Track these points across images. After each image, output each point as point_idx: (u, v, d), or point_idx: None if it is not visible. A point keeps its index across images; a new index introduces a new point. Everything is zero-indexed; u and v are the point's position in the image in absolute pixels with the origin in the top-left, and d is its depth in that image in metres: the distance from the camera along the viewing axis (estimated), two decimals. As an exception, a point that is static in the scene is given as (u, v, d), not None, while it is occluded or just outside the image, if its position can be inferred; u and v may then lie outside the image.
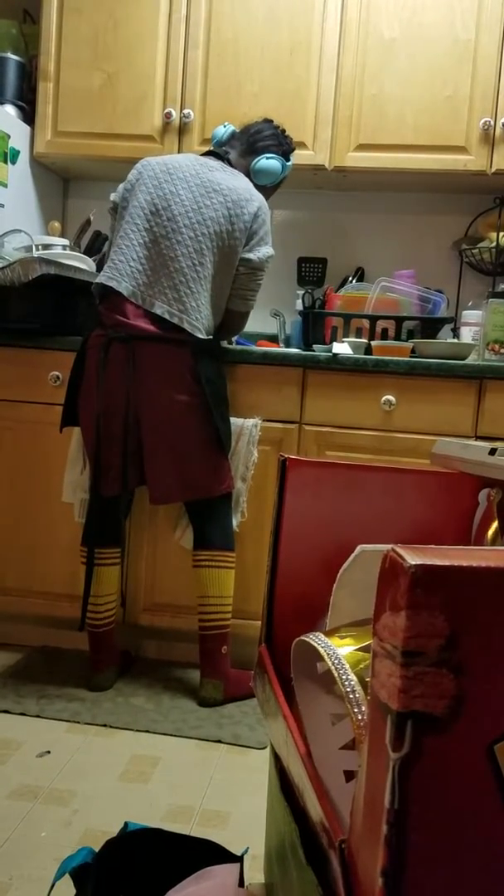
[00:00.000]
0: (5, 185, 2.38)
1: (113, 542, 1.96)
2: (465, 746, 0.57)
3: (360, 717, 0.71)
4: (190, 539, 2.03)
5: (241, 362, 2.05)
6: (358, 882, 0.62)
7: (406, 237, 2.64)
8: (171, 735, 1.77)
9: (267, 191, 2.07)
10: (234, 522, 2.03)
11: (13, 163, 2.42)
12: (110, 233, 2.02)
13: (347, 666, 0.76)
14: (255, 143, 2.02)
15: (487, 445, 1.06)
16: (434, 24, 2.26)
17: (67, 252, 2.26)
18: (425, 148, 2.29)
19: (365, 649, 0.79)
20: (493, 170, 2.26)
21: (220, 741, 1.75)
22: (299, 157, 2.32)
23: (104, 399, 1.84)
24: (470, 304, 2.51)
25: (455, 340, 2.25)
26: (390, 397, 2.01)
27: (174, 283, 1.83)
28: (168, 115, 2.38)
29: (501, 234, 2.38)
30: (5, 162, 2.37)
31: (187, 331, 1.84)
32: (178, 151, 2.40)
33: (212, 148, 2.07)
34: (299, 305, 2.53)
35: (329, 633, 0.84)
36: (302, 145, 2.33)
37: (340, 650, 0.79)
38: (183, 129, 2.39)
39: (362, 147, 2.32)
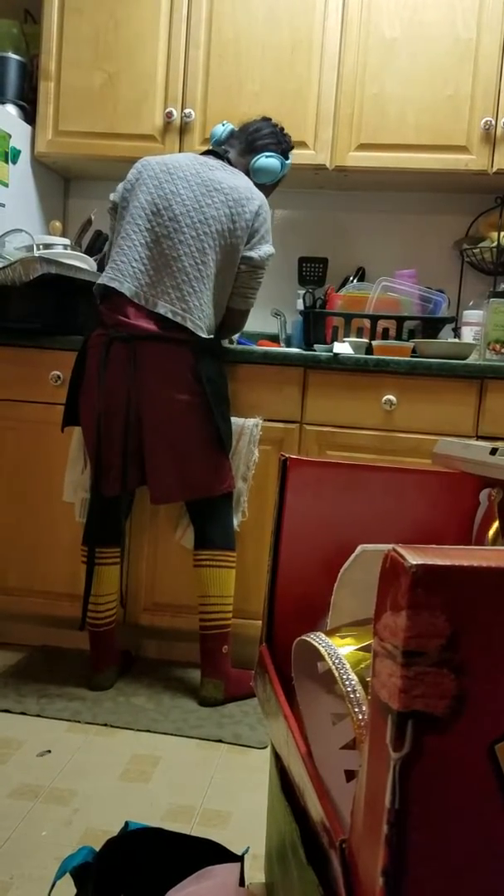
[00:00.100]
0: (6, 185, 2.38)
1: (113, 541, 1.96)
2: (466, 746, 0.57)
3: (360, 717, 0.71)
4: (191, 539, 2.03)
5: (242, 362, 2.05)
6: (358, 882, 0.62)
7: (407, 237, 2.64)
8: (172, 734, 1.77)
9: (266, 189, 2.07)
10: (235, 522, 2.03)
11: (14, 162, 2.42)
12: (110, 233, 2.02)
13: (348, 665, 0.76)
14: (254, 141, 2.02)
15: (488, 445, 1.06)
16: (435, 23, 2.26)
17: (68, 251, 2.26)
18: (426, 147, 2.29)
19: (366, 649, 0.79)
20: (494, 169, 2.26)
21: (220, 741, 1.75)
22: (300, 156, 2.32)
23: (105, 398, 1.84)
24: (471, 303, 2.50)
25: (456, 340, 2.25)
26: (391, 397, 2.01)
27: (177, 283, 1.83)
28: (169, 115, 2.38)
29: (502, 233, 2.38)
30: (6, 161, 2.37)
31: (189, 330, 1.84)
32: (180, 151, 2.40)
33: (211, 147, 2.07)
34: (300, 305, 2.53)
35: (330, 633, 0.84)
36: (303, 145, 2.33)
37: (341, 650, 0.79)
38: (184, 129, 2.39)
39: (363, 146, 2.32)
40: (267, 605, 1.10)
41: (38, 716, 1.82)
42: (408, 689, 0.55)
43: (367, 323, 2.25)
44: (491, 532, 1.10)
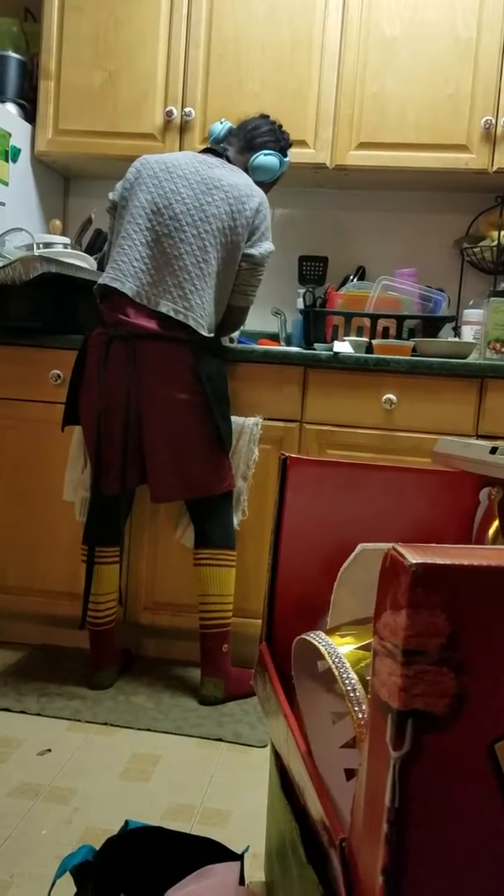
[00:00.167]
0: (6, 184, 2.38)
1: (113, 540, 1.96)
2: (466, 745, 0.57)
3: (360, 716, 0.71)
4: (191, 537, 2.03)
5: (243, 361, 2.05)
6: (358, 880, 0.62)
7: (407, 236, 2.64)
8: (172, 733, 1.77)
9: (265, 186, 2.07)
10: (235, 521, 2.03)
11: (14, 161, 2.41)
12: (109, 232, 2.02)
13: (348, 664, 0.76)
14: (252, 139, 2.02)
15: (488, 444, 1.06)
16: (435, 22, 2.25)
17: (68, 250, 2.26)
18: (426, 146, 2.29)
19: (366, 648, 0.79)
20: (495, 168, 2.26)
21: (220, 739, 1.75)
22: (301, 155, 2.32)
23: (105, 397, 1.84)
24: (471, 302, 2.50)
25: (456, 339, 2.25)
26: (391, 396, 2.01)
27: (179, 281, 1.83)
28: (169, 114, 2.38)
29: (502, 232, 2.38)
30: (6, 160, 2.37)
31: (189, 329, 1.83)
32: (180, 150, 2.39)
33: (209, 145, 2.07)
34: (300, 304, 2.53)
35: (330, 632, 0.84)
36: (303, 144, 2.33)
37: (341, 649, 0.79)
38: (184, 128, 2.39)
39: (363, 145, 2.32)
40: (267, 604, 1.10)
41: (39, 715, 1.82)
42: (408, 687, 0.55)
43: (367, 322, 2.25)
44: (491, 531, 1.10)
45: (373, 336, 2.24)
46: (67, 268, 2.02)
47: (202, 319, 1.84)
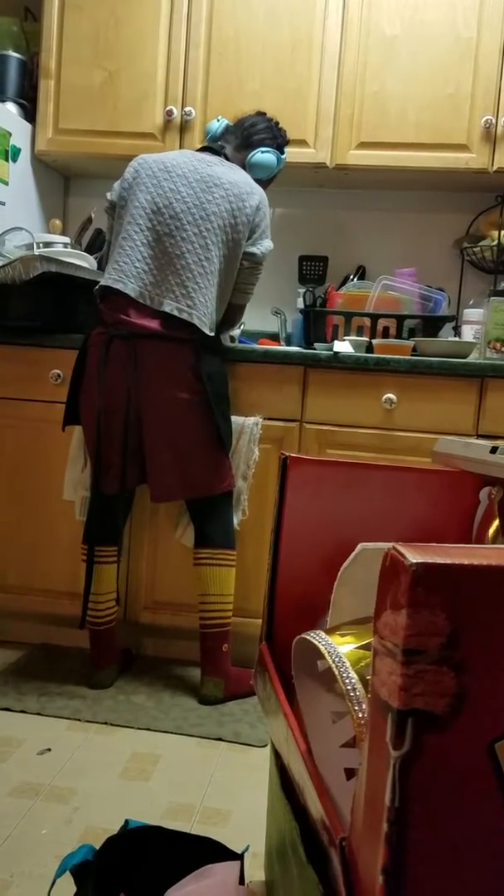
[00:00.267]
0: (6, 183, 2.38)
1: (113, 540, 1.96)
2: (466, 745, 0.57)
3: (360, 715, 0.71)
4: (191, 537, 2.03)
5: (243, 360, 2.05)
6: (358, 880, 0.62)
7: (407, 235, 2.64)
8: (172, 733, 1.77)
9: (262, 183, 2.07)
10: (235, 520, 2.03)
11: (14, 160, 2.41)
12: (108, 232, 2.02)
13: (348, 664, 0.76)
14: (249, 136, 2.02)
15: (489, 444, 1.06)
16: (435, 21, 2.25)
17: (68, 250, 2.26)
18: (427, 146, 2.29)
19: (366, 647, 0.79)
20: (495, 168, 2.26)
21: (220, 739, 1.76)
22: (301, 155, 2.32)
23: (105, 397, 1.84)
24: (471, 302, 2.50)
25: (456, 339, 2.25)
26: (391, 396, 2.01)
27: (181, 280, 1.83)
28: (169, 113, 2.38)
29: (502, 232, 2.38)
30: (6, 160, 2.37)
31: (192, 328, 1.83)
32: (180, 149, 2.39)
33: (206, 143, 2.06)
34: (300, 304, 2.53)
35: (330, 631, 0.84)
36: (303, 143, 2.33)
37: (341, 648, 0.79)
38: (184, 127, 2.39)
39: (364, 145, 2.32)
40: (267, 604, 1.10)
41: (39, 714, 1.82)
42: (408, 687, 0.55)
43: (367, 321, 2.25)
44: (491, 530, 1.10)
45: (373, 336, 2.24)
46: (67, 267, 2.02)
47: (205, 317, 1.84)
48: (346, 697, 0.73)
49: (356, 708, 0.72)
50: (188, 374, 1.84)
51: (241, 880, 1.05)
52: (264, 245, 1.95)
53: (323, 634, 0.83)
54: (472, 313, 2.37)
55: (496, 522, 1.10)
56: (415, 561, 0.54)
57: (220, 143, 2.05)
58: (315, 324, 2.31)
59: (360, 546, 0.97)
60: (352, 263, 2.66)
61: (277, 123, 2.07)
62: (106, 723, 1.79)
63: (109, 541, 1.96)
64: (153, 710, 1.86)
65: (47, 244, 2.25)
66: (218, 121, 2.07)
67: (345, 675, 0.75)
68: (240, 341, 2.45)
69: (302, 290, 2.53)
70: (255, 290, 2.03)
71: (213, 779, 1.59)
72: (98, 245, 2.49)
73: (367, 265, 2.64)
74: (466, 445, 1.11)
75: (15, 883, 1.24)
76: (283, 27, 2.33)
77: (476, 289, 2.58)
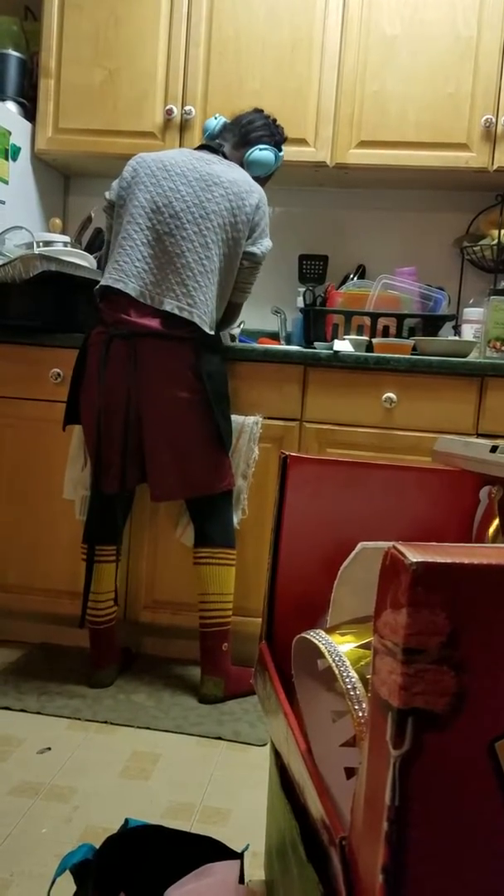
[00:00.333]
0: (6, 182, 2.38)
1: (112, 539, 1.96)
2: (466, 744, 0.57)
3: (360, 715, 0.71)
4: (191, 536, 2.03)
5: (243, 360, 2.05)
6: (358, 879, 0.62)
7: (407, 234, 2.64)
8: (172, 732, 1.77)
9: (260, 181, 2.07)
10: (235, 520, 2.03)
11: (14, 159, 2.41)
12: (107, 231, 2.01)
13: (348, 663, 0.76)
14: (247, 134, 2.02)
15: (489, 443, 1.06)
16: (436, 21, 2.25)
17: (68, 249, 2.26)
18: (427, 145, 2.29)
19: (366, 646, 0.79)
20: (495, 167, 2.26)
21: (220, 738, 1.76)
22: (301, 154, 2.32)
23: (105, 396, 1.84)
24: (471, 301, 2.50)
25: (456, 338, 2.25)
26: (391, 395, 2.01)
27: (182, 279, 1.83)
28: (169, 112, 2.38)
29: (502, 231, 2.38)
30: (6, 159, 2.37)
31: (193, 326, 1.83)
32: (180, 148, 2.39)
33: (204, 141, 2.06)
34: (300, 303, 2.53)
35: (330, 631, 0.84)
36: (303, 142, 2.33)
37: (341, 647, 0.79)
38: (184, 126, 2.39)
39: (364, 144, 2.32)
40: (267, 603, 1.10)
41: (39, 713, 1.82)
42: (408, 686, 0.55)
43: (367, 320, 2.25)
44: (491, 529, 1.10)
45: (373, 335, 2.24)
46: (67, 266, 2.02)
47: (206, 316, 1.84)
48: (346, 696, 0.73)
49: (356, 707, 0.72)
50: (188, 373, 1.83)
51: (241, 879, 1.06)
52: (264, 244, 1.95)
53: (323, 633, 0.83)
54: (472, 312, 2.37)
55: (496, 521, 1.10)
56: (415, 560, 0.54)
57: (218, 141, 2.04)
58: (315, 323, 2.31)
59: (360, 545, 0.97)
60: (352, 262, 2.66)
61: (275, 120, 2.07)
62: (106, 722, 1.79)
63: (109, 540, 1.96)
64: (153, 710, 1.86)
65: (47, 243, 2.24)
66: (216, 118, 2.07)
67: (345, 674, 0.75)
68: (240, 340, 2.45)
69: (302, 289, 2.53)
70: (253, 289, 2.03)
71: (213, 778, 1.59)
72: (98, 244, 2.49)
73: (367, 264, 2.64)
74: (466, 444, 1.11)
75: (15, 882, 1.24)
76: (283, 26, 2.32)
77: (476, 288, 2.58)
